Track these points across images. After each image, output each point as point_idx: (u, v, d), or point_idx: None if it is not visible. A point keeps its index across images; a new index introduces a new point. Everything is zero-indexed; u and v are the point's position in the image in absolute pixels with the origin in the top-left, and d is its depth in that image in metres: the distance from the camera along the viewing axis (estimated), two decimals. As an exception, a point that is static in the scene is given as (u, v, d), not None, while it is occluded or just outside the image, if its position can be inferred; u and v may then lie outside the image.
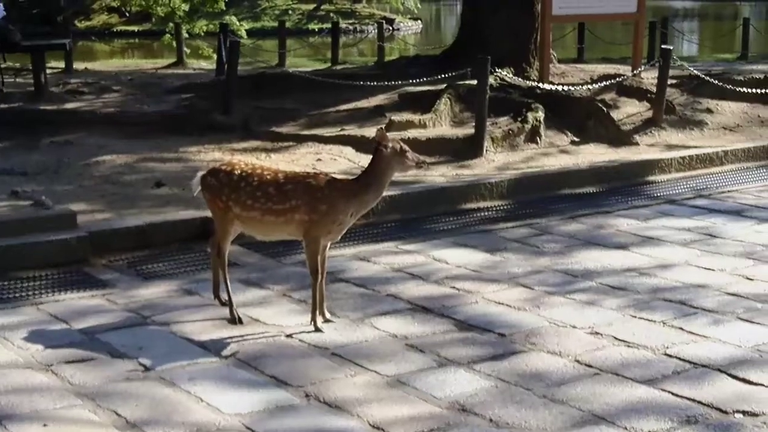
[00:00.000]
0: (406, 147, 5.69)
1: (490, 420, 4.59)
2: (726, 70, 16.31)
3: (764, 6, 57.66)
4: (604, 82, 12.46)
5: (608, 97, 12.40)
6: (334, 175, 5.92)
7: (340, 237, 5.90)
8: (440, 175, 9.59)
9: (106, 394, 4.90)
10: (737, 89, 12.72)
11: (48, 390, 4.95)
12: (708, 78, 12.91)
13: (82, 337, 5.69)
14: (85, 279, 6.83)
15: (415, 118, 11.43)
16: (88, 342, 5.61)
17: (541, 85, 12.39)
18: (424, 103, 11.97)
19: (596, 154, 10.44)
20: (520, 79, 12.60)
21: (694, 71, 13.34)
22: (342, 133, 11.12)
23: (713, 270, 6.96)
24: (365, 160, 9.96)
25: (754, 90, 12.73)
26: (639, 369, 5.15)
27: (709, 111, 12.48)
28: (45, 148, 10.75)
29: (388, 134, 5.78)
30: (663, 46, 12.74)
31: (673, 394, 4.84)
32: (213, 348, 5.51)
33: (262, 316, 6.03)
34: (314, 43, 26.91)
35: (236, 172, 5.84)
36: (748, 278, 6.76)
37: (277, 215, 5.71)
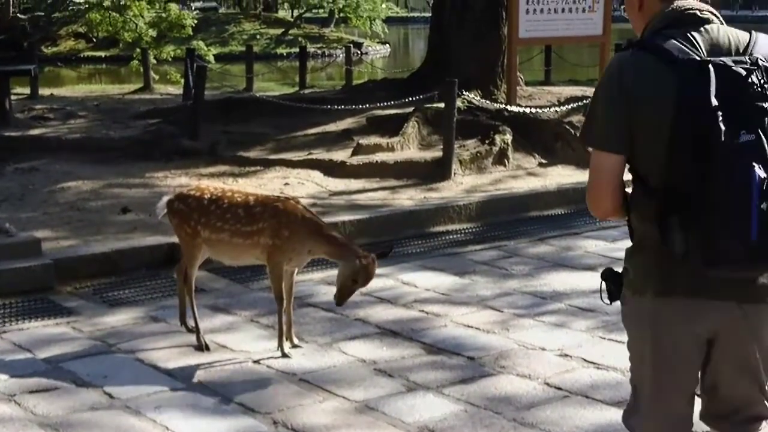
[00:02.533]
0: (361, 278, 5.52)
1: (460, 445, 4.56)
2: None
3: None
4: (572, 104, 12.51)
5: (575, 119, 12.44)
6: (304, 205, 5.86)
7: (302, 266, 5.87)
8: (408, 198, 9.58)
9: (70, 424, 4.83)
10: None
11: (11, 420, 4.88)
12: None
13: (46, 366, 5.61)
14: (50, 307, 6.74)
15: (383, 141, 11.42)
16: (53, 371, 5.53)
17: (508, 107, 12.42)
18: (392, 127, 11.97)
19: (564, 176, 10.46)
20: (487, 101, 12.63)
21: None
22: (310, 157, 11.09)
23: None
24: (333, 184, 10.00)
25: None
26: (609, 391, 5.14)
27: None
28: (9, 174, 10.65)
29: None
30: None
31: (642, 415, 4.82)
32: (179, 375, 5.45)
33: (229, 342, 5.98)
34: (282, 68, 26.90)
35: (206, 196, 5.81)
36: None
37: (245, 237, 5.68)
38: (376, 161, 10.58)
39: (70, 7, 24.82)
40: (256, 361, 5.65)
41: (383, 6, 40.11)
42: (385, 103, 12.52)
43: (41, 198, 9.47)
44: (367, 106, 12.63)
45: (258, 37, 41.25)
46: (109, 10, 21.79)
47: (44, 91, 19.07)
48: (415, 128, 11.74)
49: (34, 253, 7.28)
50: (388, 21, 42.00)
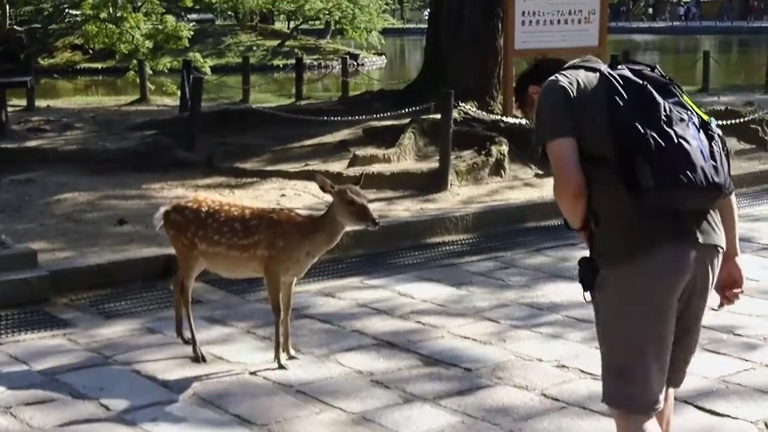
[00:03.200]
0: (355, 197, 5.34)
1: (457, 456, 4.55)
2: (687, 102, 16.45)
3: (724, 39, 58.46)
4: (567, 115, 12.51)
5: (571, 129, 12.46)
6: (298, 212, 5.87)
7: (302, 275, 5.85)
8: (405, 209, 9.58)
9: (67, 436, 4.82)
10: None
11: (7, 433, 4.86)
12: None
13: (42, 378, 5.60)
14: (46, 318, 6.73)
15: (380, 152, 11.44)
16: (49, 383, 5.52)
17: (504, 118, 12.44)
18: (389, 138, 11.99)
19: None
20: (483, 112, 12.65)
21: (656, 104, 13.44)
22: (306, 168, 11.10)
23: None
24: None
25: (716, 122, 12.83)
26: (606, 402, 5.12)
27: (671, 143, 12.57)
28: (5, 186, 10.65)
29: (355, 176, 5.62)
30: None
31: (640, 426, 4.81)
32: (176, 387, 5.44)
33: (225, 353, 5.97)
34: (279, 79, 26.92)
35: (203, 209, 5.81)
36: (712, 309, 6.74)
37: (242, 250, 5.68)
38: (373, 172, 10.58)
39: (67, 19, 24.86)
40: (253, 373, 5.64)
41: (379, 17, 40.15)
42: (382, 115, 12.54)
43: (38, 209, 9.46)
44: (364, 117, 12.65)
45: (254, 48, 41.34)
46: (105, 22, 21.86)
47: (41, 103, 19.07)
48: (411, 139, 11.75)
49: (31, 264, 7.27)
50: (385, 32, 42.02)
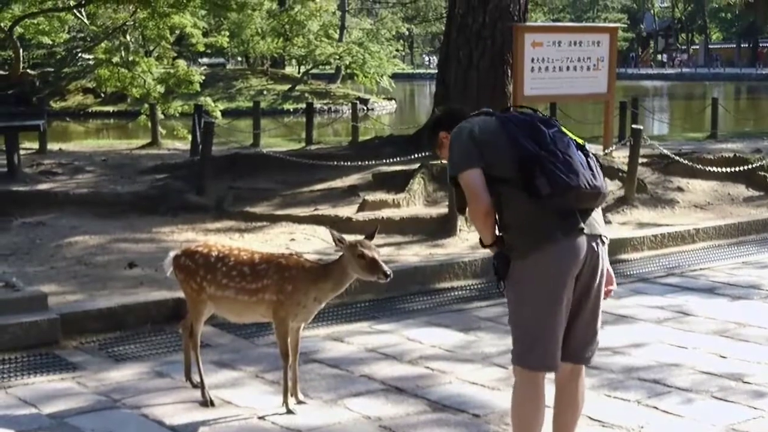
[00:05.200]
0: (365, 251, 5.36)
1: (465, 503, 4.54)
2: (696, 149, 16.54)
3: (732, 86, 58.64)
4: (576, 162, 12.54)
5: (580, 176, 12.50)
6: (307, 257, 5.90)
7: (310, 320, 5.87)
8: (414, 254, 9.60)
9: (75, 479, 4.81)
10: (707, 168, 12.88)
11: (15, 476, 4.86)
12: (678, 157, 13.07)
13: (51, 422, 5.61)
14: (56, 361, 6.75)
15: (389, 197, 11.48)
16: (57, 426, 5.53)
17: (513, 164, 12.46)
18: (398, 183, 12.04)
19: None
20: (492, 158, 12.68)
21: (665, 150, 13.51)
22: (316, 212, 11.14)
23: (686, 348, 6.97)
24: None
25: (723, 169, 12.89)
26: (614, 449, 5.12)
27: (680, 189, 12.62)
28: (17, 229, 10.70)
29: (368, 236, 5.56)
30: (633, 126, 12.89)
31: (648, 474, 4.81)
32: (184, 431, 5.44)
33: (234, 398, 5.98)
34: (289, 124, 27.07)
35: (213, 253, 5.84)
36: (721, 356, 6.77)
37: (250, 295, 5.69)
38: (382, 217, 10.61)
39: (80, 63, 25.02)
40: (261, 417, 5.65)
41: (389, 62, 40.39)
42: (391, 160, 12.61)
43: (48, 252, 9.50)
44: (373, 162, 12.71)
45: (265, 92, 41.61)
46: (118, 65, 21.98)
47: (53, 146, 19.21)
48: (420, 184, 11.80)
49: (41, 307, 7.29)
50: (394, 77, 42.29)
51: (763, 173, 13.25)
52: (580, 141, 4.44)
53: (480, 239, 4.51)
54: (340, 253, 5.52)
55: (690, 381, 6.21)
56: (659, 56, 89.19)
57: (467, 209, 4.42)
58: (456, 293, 8.71)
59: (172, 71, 23.63)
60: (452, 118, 4.68)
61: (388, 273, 5.33)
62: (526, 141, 4.27)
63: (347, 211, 11.13)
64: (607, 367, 6.49)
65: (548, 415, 4.56)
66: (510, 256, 4.37)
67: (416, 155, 12.43)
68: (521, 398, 4.45)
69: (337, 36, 45.40)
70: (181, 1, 20.08)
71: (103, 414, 5.74)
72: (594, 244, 4.36)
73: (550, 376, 4.51)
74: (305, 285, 5.58)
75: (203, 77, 25.84)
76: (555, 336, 4.37)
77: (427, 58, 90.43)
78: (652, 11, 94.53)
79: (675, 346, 7.03)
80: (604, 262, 4.46)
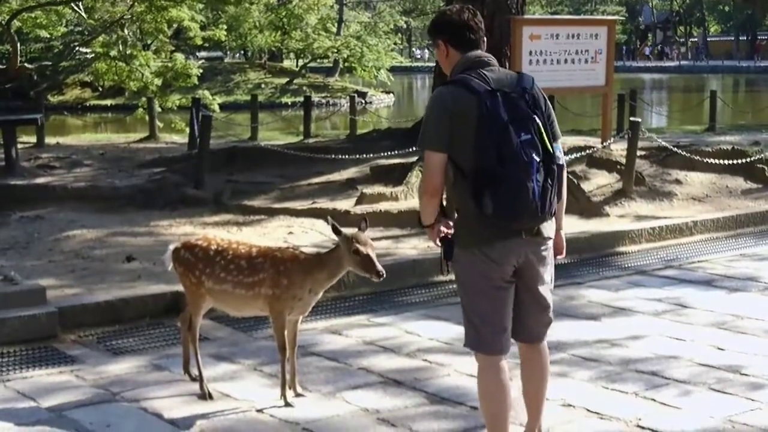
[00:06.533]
0: (360, 247, 5.34)
1: (463, 495, 4.55)
2: (694, 141, 16.55)
3: (730, 78, 58.63)
4: (575, 154, 12.57)
5: (578, 168, 12.53)
6: (303, 250, 5.90)
7: (307, 312, 5.86)
8: (412, 247, 9.60)
9: (73, 472, 4.82)
10: (705, 160, 12.88)
11: (14, 469, 4.87)
12: (676, 150, 13.08)
13: (49, 415, 5.61)
14: (54, 355, 6.75)
15: (387, 190, 11.47)
16: (56, 420, 5.53)
17: (511, 157, 12.46)
18: (396, 176, 12.04)
19: (567, 225, 10.43)
20: (490, 151, 12.68)
21: (663, 143, 13.51)
22: (314, 206, 11.14)
23: (684, 340, 6.98)
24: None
25: (722, 161, 12.89)
26: (612, 441, 5.13)
27: (678, 182, 12.61)
28: (15, 223, 10.71)
29: (362, 224, 5.54)
30: (632, 119, 12.90)
31: (646, 466, 4.82)
32: (183, 424, 5.45)
33: (232, 391, 5.98)
34: (287, 117, 27.06)
35: (212, 247, 5.84)
36: (719, 348, 6.78)
37: (247, 288, 5.69)
38: (380, 210, 10.61)
39: (77, 57, 25.01)
40: (260, 410, 5.65)
41: (387, 56, 40.38)
42: (389, 153, 12.61)
43: (46, 246, 9.51)
44: (372, 155, 12.71)
45: (263, 86, 41.60)
46: (115, 59, 21.97)
47: (50, 140, 19.20)
48: (418, 178, 11.78)
49: (39, 301, 7.30)
50: (392, 70, 42.28)
51: (761, 166, 13.25)
52: (549, 148, 4.39)
53: (419, 217, 4.62)
54: (330, 250, 5.53)
55: (688, 373, 6.22)
56: (656, 48, 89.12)
57: (422, 180, 4.49)
58: (453, 286, 8.63)
59: (169, 65, 23.63)
60: (455, 29, 4.57)
61: (381, 273, 5.32)
62: (490, 149, 4.24)
63: (345, 204, 11.13)
64: (604, 359, 6.50)
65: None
66: (456, 242, 4.51)
67: (414, 148, 12.40)
68: (483, 381, 4.61)
69: (335, 29, 45.41)
70: (178, -5, 20.08)
71: (101, 407, 5.74)
72: (533, 245, 4.51)
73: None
74: (301, 278, 5.58)
75: (201, 71, 25.83)
76: (496, 322, 4.56)
77: (419, 52, 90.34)
78: (650, 3, 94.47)
79: (673, 338, 7.04)
80: (549, 252, 4.67)
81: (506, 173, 4.24)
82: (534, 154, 4.29)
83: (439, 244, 4.58)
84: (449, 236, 4.54)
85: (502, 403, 4.56)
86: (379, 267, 5.33)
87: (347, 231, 5.44)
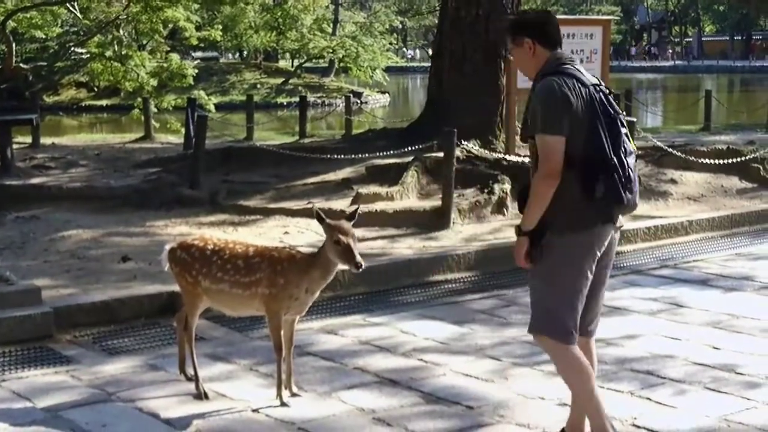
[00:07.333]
0: (341, 237, 5.32)
1: (459, 494, 4.55)
2: (689, 141, 16.56)
3: (725, 78, 58.68)
4: (570, 154, 12.55)
5: (574, 168, 12.51)
6: (299, 249, 5.90)
7: (303, 312, 5.86)
8: (407, 247, 9.61)
9: (69, 472, 4.82)
10: (700, 160, 12.89)
11: (9, 469, 4.87)
12: (671, 150, 13.09)
13: (45, 415, 5.61)
14: (49, 355, 6.75)
15: (383, 190, 11.47)
16: (51, 420, 5.53)
17: (507, 157, 12.50)
18: (392, 176, 12.04)
19: (562, 225, 10.47)
20: (486, 151, 12.72)
21: (658, 143, 13.52)
22: (309, 206, 11.12)
23: (680, 340, 6.99)
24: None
25: (717, 161, 12.90)
26: (607, 440, 5.12)
27: (673, 182, 12.63)
28: (10, 223, 10.70)
29: (351, 212, 5.58)
30: (627, 118, 12.88)
31: (641, 465, 4.83)
32: (178, 424, 5.45)
33: (228, 391, 5.98)
34: (282, 117, 27.07)
35: (209, 247, 5.84)
36: (714, 348, 6.79)
37: (244, 288, 5.70)
38: (376, 210, 10.61)
39: (72, 57, 24.99)
40: (255, 410, 5.65)
41: (382, 56, 40.37)
42: (385, 153, 12.60)
43: (42, 246, 9.50)
44: (367, 155, 12.71)
45: (258, 86, 41.58)
46: (111, 59, 21.95)
47: (45, 140, 19.17)
48: (414, 177, 11.80)
49: (34, 301, 7.29)
50: (388, 70, 42.29)
51: (756, 165, 13.27)
52: (633, 146, 4.68)
53: (521, 222, 4.61)
54: (320, 247, 5.54)
55: (683, 372, 6.23)
56: (643, 48, 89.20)
57: (537, 171, 4.52)
58: (449, 286, 8.73)
59: (165, 65, 23.60)
60: (541, 28, 4.71)
61: (360, 264, 5.30)
62: (604, 138, 4.46)
63: (341, 204, 11.13)
64: (600, 359, 6.48)
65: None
66: (547, 230, 4.54)
67: (409, 148, 12.43)
68: (568, 366, 4.75)
69: (330, 30, 45.43)
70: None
71: (97, 407, 5.74)
72: (616, 235, 4.76)
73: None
74: (297, 277, 5.58)
75: (196, 71, 25.81)
76: (579, 311, 4.69)
77: (410, 52, 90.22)
78: (645, 3, 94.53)
79: (668, 337, 7.05)
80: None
81: (619, 161, 4.45)
82: (631, 147, 4.59)
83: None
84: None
85: (590, 380, 4.74)
86: (359, 258, 5.30)
87: (331, 221, 5.43)
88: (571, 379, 4.77)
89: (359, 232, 9.99)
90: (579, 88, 4.52)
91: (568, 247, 4.55)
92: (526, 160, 12.13)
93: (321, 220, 5.39)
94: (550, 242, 4.54)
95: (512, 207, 11.21)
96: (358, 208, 5.73)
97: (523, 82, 13.43)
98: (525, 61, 4.77)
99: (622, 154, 4.48)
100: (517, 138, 14.00)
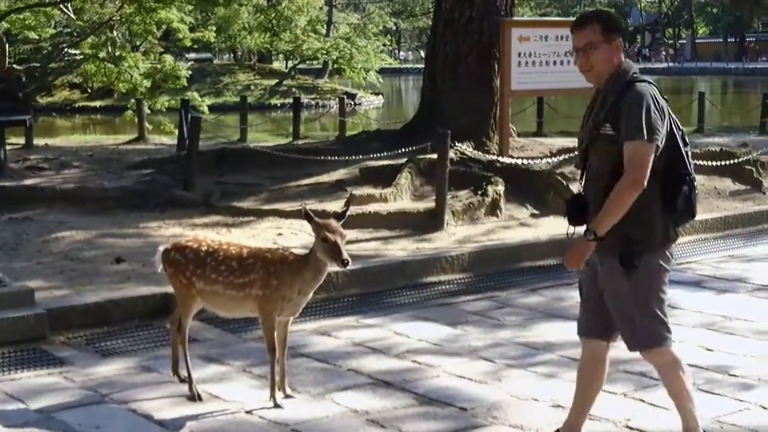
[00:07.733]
0: (328, 234, 5.35)
1: (452, 496, 4.55)
2: (682, 143, 16.53)
3: (719, 80, 58.76)
4: (564, 156, 12.59)
5: (567, 170, 12.52)
6: (292, 251, 5.90)
7: (297, 314, 5.87)
8: (401, 248, 9.61)
9: (62, 474, 4.81)
10: (694, 162, 12.88)
11: (2, 471, 4.86)
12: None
13: (38, 417, 5.60)
14: (43, 356, 6.74)
15: (376, 192, 11.48)
16: (45, 421, 5.52)
17: (500, 158, 12.51)
18: (385, 177, 12.04)
19: (556, 227, 10.46)
20: (480, 153, 12.72)
21: (651, 144, 13.52)
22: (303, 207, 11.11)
23: (673, 341, 6.97)
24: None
25: (710, 162, 12.92)
26: (600, 442, 5.14)
27: (666, 183, 12.62)
28: (3, 224, 10.67)
29: (345, 211, 5.62)
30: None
31: (634, 466, 4.83)
32: (172, 426, 5.45)
33: (221, 392, 5.98)
34: (276, 118, 27.02)
35: (203, 248, 5.84)
36: (707, 349, 6.80)
37: (238, 289, 5.70)
38: (369, 212, 10.61)
39: (66, 58, 24.97)
40: (249, 412, 5.65)
41: (376, 57, 40.37)
42: (379, 154, 12.61)
43: (35, 248, 9.48)
44: (361, 157, 12.71)
45: (252, 87, 41.56)
46: (104, 61, 21.93)
47: (39, 141, 19.15)
48: (408, 179, 11.80)
49: (27, 302, 7.28)
50: (382, 72, 42.25)
51: (749, 167, 13.30)
52: None
53: (593, 226, 4.46)
54: (310, 248, 5.54)
55: (676, 374, 6.23)
56: (633, 50, 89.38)
57: (624, 179, 4.39)
58: (443, 287, 8.73)
59: (158, 66, 23.59)
60: (614, 23, 4.67)
61: (346, 261, 5.32)
62: (681, 150, 4.52)
63: (334, 205, 11.08)
64: (593, 361, 6.51)
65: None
66: (636, 248, 4.51)
67: (403, 150, 12.43)
68: (677, 376, 4.80)
69: (324, 31, 45.41)
70: (167, -4, 20.07)
71: (90, 409, 5.73)
72: None
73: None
74: (290, 279, 5.58)
75: (190, 72, 25.81)
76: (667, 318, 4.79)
77: (402, 54, 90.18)
78: (638, 6, 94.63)
79: (661, 339, 7.04)
80: None
81: (692, 175, 4.54)
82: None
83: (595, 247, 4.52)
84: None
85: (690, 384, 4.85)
86: (345, 255, 5.32)
87: (319, 219, 5.44)
88: (680, 391, 4.84)
89: (352, 234, 10.02)
90: (662, 99, 4.56)
91: (659, 261, 4.60)
92: (520, 161, 12.17)
93: (309, 219, 5.40)
94: (646, 261, 4.55)
95: (505, 209, 11.22)
96: (348, 207, 5.74)
97: (518, 84, 13.50)
98: (610, 60, 4.62)
99: (691, 168, 4.54)
100: (511, 140, 14.05)
